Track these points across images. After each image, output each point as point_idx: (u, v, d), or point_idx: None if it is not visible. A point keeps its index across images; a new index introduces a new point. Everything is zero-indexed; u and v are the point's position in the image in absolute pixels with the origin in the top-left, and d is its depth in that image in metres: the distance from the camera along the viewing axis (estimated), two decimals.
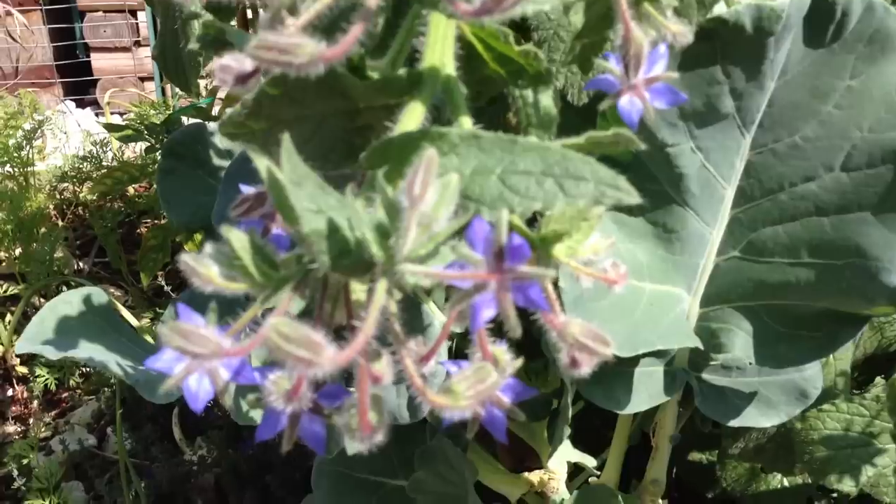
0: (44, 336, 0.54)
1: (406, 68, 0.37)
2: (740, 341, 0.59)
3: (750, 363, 0.60)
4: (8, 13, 3.32)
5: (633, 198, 0.31)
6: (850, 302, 0.55)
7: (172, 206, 0.85)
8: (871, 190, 0.53)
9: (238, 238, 0.32)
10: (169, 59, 0.97)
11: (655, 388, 0.62)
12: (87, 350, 0.53)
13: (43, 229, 1.79)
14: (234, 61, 0.31)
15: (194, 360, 0.29)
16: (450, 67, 0.38)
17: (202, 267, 0.32)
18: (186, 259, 0.32)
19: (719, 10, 0.59)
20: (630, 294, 0.56)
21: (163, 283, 1.64)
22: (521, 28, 0.53)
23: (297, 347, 0.26)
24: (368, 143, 0.41)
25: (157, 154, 1.43)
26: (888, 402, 0.58)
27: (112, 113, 3.60)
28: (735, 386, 0.63)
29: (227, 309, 0.34)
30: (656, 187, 0.56)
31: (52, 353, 0.52)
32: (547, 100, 0.42)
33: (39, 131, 1.92)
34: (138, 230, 1.96)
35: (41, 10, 3.55)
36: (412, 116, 0.36)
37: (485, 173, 0.33)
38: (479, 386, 0.31)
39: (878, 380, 0.80)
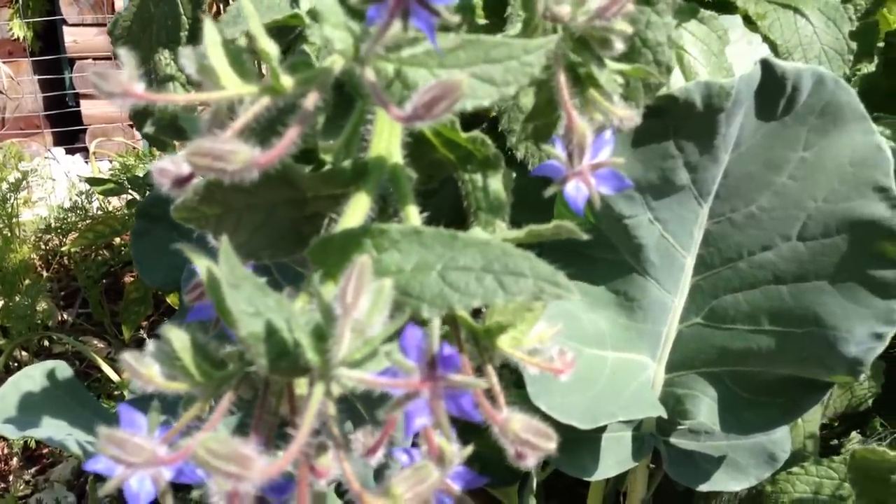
0: (5, 414, 0.54)
1: (352, 159, 0.38)
2: (706, 407, 0.59)
3: (716, 429, 0.60)
4: None
5: (573, 294, 0.31)
6: (810, 370, 0.55)
7: (146, 269, 0.85)
8: (827, 260, 0.53)
9: (179, 338, 0.32)
10: (145, 122, 0.98)
11: (623, 454, 0.62)
12: (49, 428, 0.52)
13: (27, 281, 1.78)
14: (172, 164, 0.32)
15: (129, 468, 0.29)
16: (396, 156, 0.39)
17: (143, 367, 0.32)
18: (127, 358, 0.32)
19: (674, 80, 0.61)
20: (593, 363, 0.56)
21: (145, 335, 1.63)
22: None
23: (226, 463, 0.26)
24: (318, 230, 0.41)
25: None
26: (848, 473, 0.58)
27: (99, 160, 3.62)
28: (703, 450, 0.63)
29: (174, 404, 0.34)
30: (617, 257, 0.56)
31: (12, 433, 0.51)
32: (496, 184, 0.42)
33: (25, 181, 1.93)
34: (123, 280, 1.95)
35: (29, 60, 3.58)
36: (357, 208, 0.37)
37: (425, 269, 0.33)
38: (419, 487, 0.31)
39: (854, 434, 0.80)
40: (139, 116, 1.02)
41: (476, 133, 0.41)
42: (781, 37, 0.73)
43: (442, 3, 0.29)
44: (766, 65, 0.52)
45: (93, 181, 1.53)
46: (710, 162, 0.53)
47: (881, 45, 0.94)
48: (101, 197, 2.15)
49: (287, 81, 0.33)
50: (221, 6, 1.19)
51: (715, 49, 0.61)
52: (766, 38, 0.73)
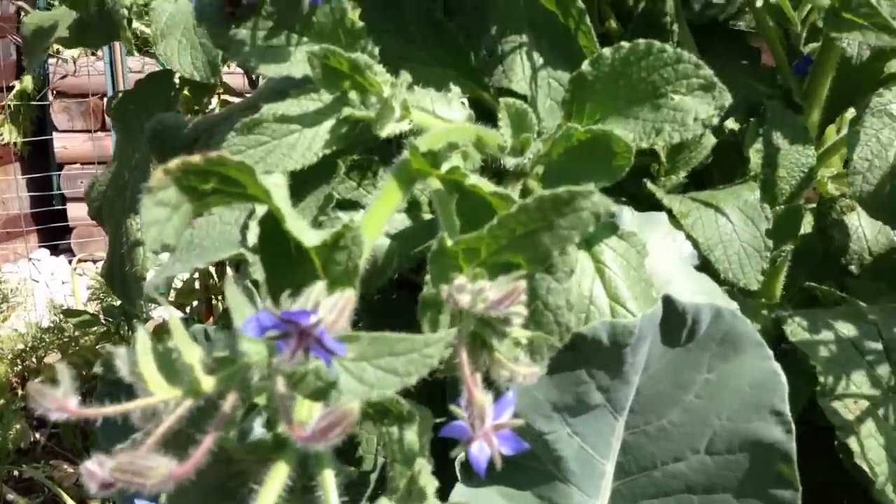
0: None
1: (272, 433, 0.42)
2: None
3: None
4: None
5: None
6: None
7: (105, 435, 0.88)
8: (732, 475, 0.58)
9: None
10: (116, 278, 1.02)
11: None
12: None
13: (2, 400, 1.79)
14: (98, 468, 0.36)
15: None
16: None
17: None
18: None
19: (596, 292, 0.66)
20: None
21: None
22: None
23: None
24: (244, 485, 0.45)
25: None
26: None
27: (86, 261, 3.64)
28: None
29: None
30: (540, 466, 0.60)
31: None
32: (411, 436, 0.47)
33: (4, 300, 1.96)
34: None
35: (17, 163, 3.65)
36: (276, 476, 0.41)
37: None
38: None
39: None
40: (109, 276, 1.06)
41: (392, 394, 0.45)
42: (703, 235, 0.79)
43: (338, 349, 0.33)
44: (667, 301, 0.58)
45: (68, 313, 1.57)
46: (622, 384, 0.58)
47: (816, 209, 1.01)
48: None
49: (208, 383, 0.37)
50: None
51: (634, 263, 0.67)
52: (689, 236, 0.79)
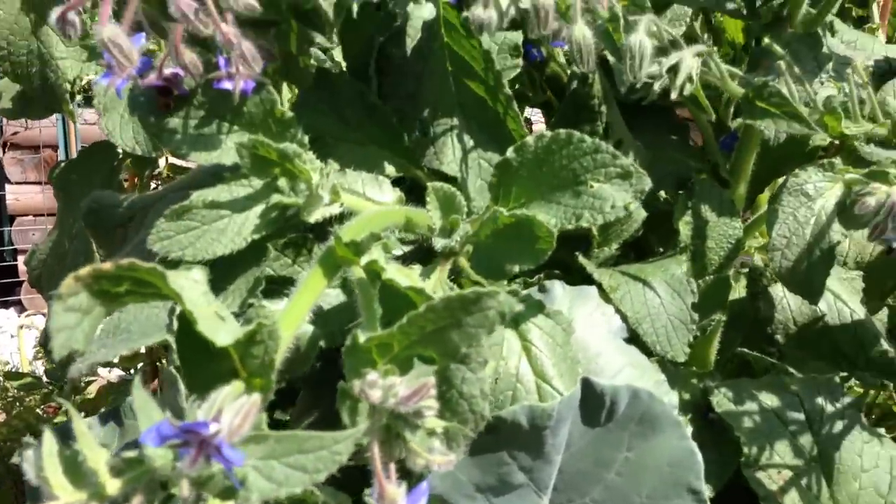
0: None
1: None
2: None
3: None
4: None
5: None
6: None
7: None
8: None
9: None
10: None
11: None
12: None
13: None
14: None
15: None
16: None
17: None
18: None
19: (523, 370, 0.67)
20: None
21: None
22: None
23: None
24: None
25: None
26: None
27: (34, 314, 3.58)
28: None
29: None
30: None
31: None
32: None
33: None
34: None
35: None
36: None
37: None
38: None
39: None
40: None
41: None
42: (631, 308, 0.81)
43: (235, 457, 0.34)
44: (586, 383, 0.59)
45: (10, 376, 1.55)
46: (544, 463, 0.59)
47: (748, 276, 1.04)
48: (26, 367, 2.14)
49: (113, 486, 0.38)
50: None
51: (560, 341, 0.69)
52: (618, 309, 0.81)
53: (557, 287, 0.80)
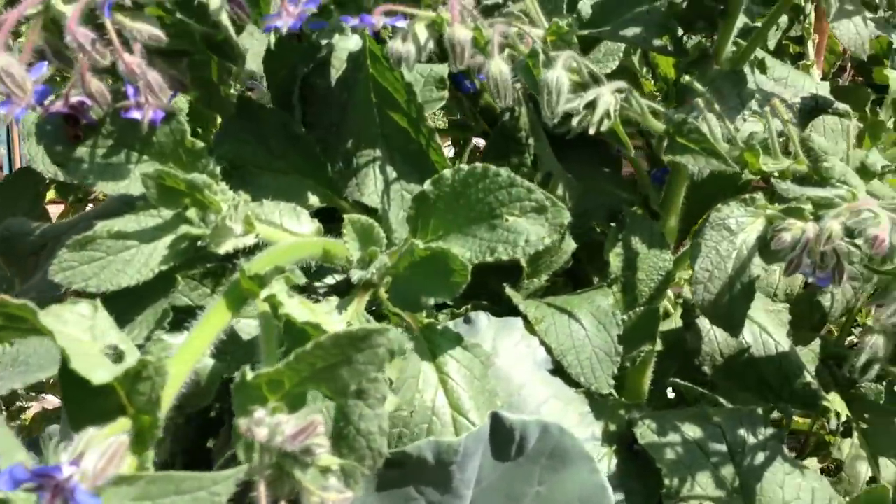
0: None
1: None
2: None
3: None
4: None
5: None
6: None
7: None
8: None
9: None
10: None
11: None
12: None
13: None
14: None
15: None
16: None
17: None
18: None
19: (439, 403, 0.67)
20: None
21: None
22: None
23: None
24: None
25: None
26: None
27: None
28: None
29: None
30: None
31: None
32: None
33: None
34: None
35: None
36: None
37: None
38: None
39: None
40: None
41: None
42: (556, 340, 0.81)
43: (90, 502, 0.33)
44: (496, 417, 0.59)
45: None
46: (453, 498, 0.59)
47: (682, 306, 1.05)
48: None
49: None
50: None
51: (478, 374, 0.68)
52: (542, 341, 0.81)
53: (482, 318, 0.80)
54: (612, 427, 0.84)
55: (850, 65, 1.60)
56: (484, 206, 0.65)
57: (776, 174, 0.76)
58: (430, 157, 0.75)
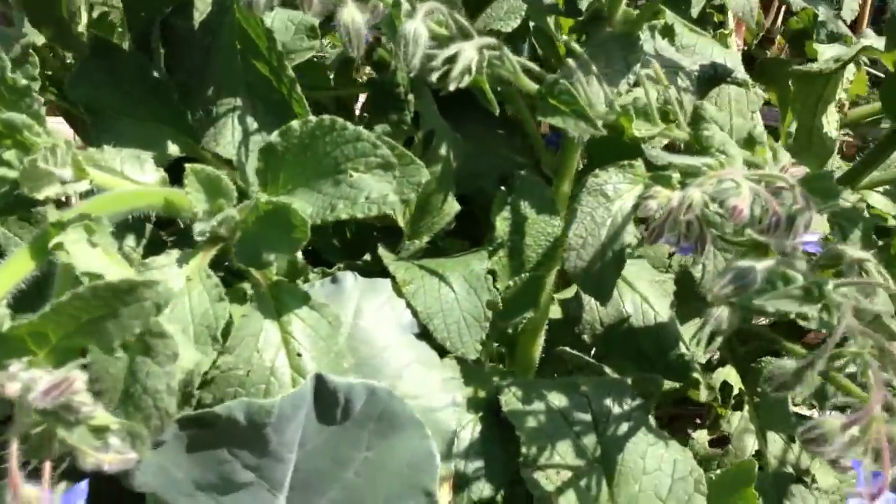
0: None
1: None
2: None
3: None
4: None
5: None
6: None
7: None
8: None
9: None
10: None
11: None
12: None
13: None
14: None
15: None
16: None
17: None
18: None
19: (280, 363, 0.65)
20: None
21: None
22: None
23: None
24: None
25: None
26: None
27: None
28: None
29: None
30: None
31: None
32: None
33: None
34: None
35: None
36: None
37: None
38: None
39: None
40: None
41: None
42: (423, 303, 0.79)
43: None
44: (319, 379, 0.57)
45: None
46: (274, 461, 0.57)
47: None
48: None
49: None
50: None
51: (324, 334, 0.66)
52: (408, 304, 0.79)
53: (349, 278, 0.78)
54: (482, 394, 0.83)
55: (778, 37, 1.58)
56: (330, 161, 0.63)
57: (646, 140, 0.74)
58: (294, 108, 0.72)
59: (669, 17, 1.04)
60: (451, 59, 0.67)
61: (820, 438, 0.49)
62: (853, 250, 0.64)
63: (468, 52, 0.67)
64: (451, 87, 0.68)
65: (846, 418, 0.49)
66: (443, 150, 0.88)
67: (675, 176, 0.72)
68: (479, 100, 1.01)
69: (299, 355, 0.65)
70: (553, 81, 0.72)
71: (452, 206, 0.89)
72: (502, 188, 0.93)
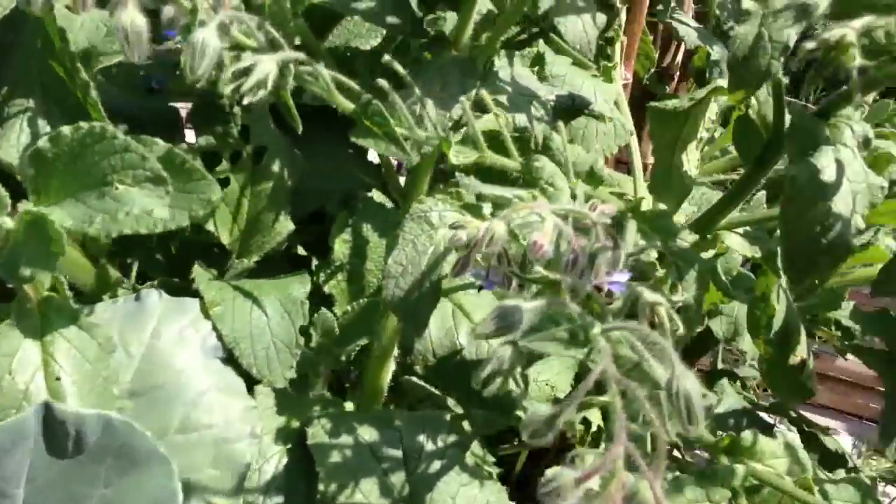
0: None
1: None
2: None
3: None
4: None
5: None
6: None
7: None
8: None
9: None
10: None
11: None
12: None
13: None
14: None
15: None
16: None
17: None
18: None
19: (35, 387, 0.60)
20: None
21: None
22: None
23: None
24: None
25: None
26: None
27: None
28: None
29: None
30: None
31: None
32: None
33: None
34: None
35: None
36: None
37: None
38: None
39: None
40: None
41: None
42: (230, 327, 0.75)
43: None
44: (47, 408, 0.53)
45: None
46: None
47: None
48: None
49: None
50: None
51: (91, 356, 0.62)
52: (214, 327, 0.75)
53: (153, 296, 0.73)
54: (295, 424, 0.79)
55: (679, 73, 1.58)
56: (98, 171, 0.59)
57: (461, 168, 0.72)
58: (91, 114, 0.68)
59: (542, 46, 1.03)
60: (245, 72, 0.63)
61: (554, 493, 0.46)
62: (649, 293, 0.62)
63: (265, 66, 0.64)
64: (245, 101, 0.64)
65: (581, 472, 0.46)
66: (275, 167, 0.85)
67: (487, 207, 0.69)
68: (331, 119, 0.99)
69: (58, 379, 0.60)
70: (366, 102, 0.69)
71: (285, 226, 0.86)
72: (342, 210, 0.90)
